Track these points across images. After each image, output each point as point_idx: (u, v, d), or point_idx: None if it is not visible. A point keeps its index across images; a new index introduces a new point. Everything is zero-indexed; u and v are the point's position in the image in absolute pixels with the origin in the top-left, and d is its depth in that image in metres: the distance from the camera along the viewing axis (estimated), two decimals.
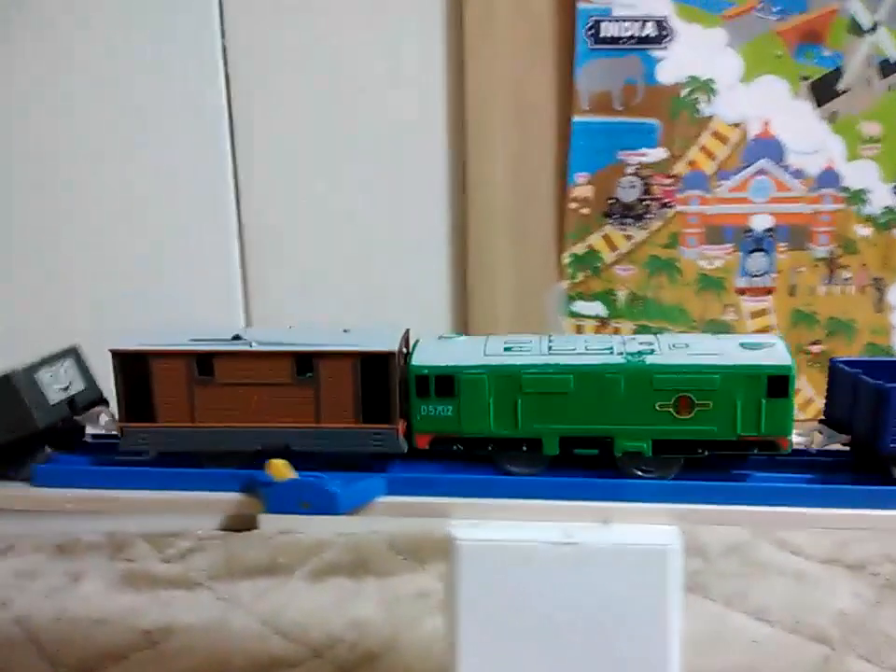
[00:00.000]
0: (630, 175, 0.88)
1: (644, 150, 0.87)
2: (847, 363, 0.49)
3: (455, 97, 0.87)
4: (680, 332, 0.90)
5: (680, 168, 0.88)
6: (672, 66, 0.85)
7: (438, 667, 0.65)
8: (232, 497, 0.46)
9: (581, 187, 0.88)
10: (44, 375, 0.48)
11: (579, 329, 0.91)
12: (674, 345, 0.46)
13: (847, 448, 0.48)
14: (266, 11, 0.85)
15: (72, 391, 0.50)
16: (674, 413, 0.44)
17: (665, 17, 0.85)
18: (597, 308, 0.91)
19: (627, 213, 0.88)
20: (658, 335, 0.47)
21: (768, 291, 0.90)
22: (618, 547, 0.43)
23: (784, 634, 0.69)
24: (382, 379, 0.45)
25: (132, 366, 0.46)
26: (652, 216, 0.89)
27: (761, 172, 0.87)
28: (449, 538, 0.44)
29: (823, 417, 0.50)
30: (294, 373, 0.46)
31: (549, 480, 0.46)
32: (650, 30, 0.85)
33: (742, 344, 0.45)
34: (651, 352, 0.45)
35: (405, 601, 0.75)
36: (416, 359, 0.46)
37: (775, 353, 0.45)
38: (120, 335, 0.47)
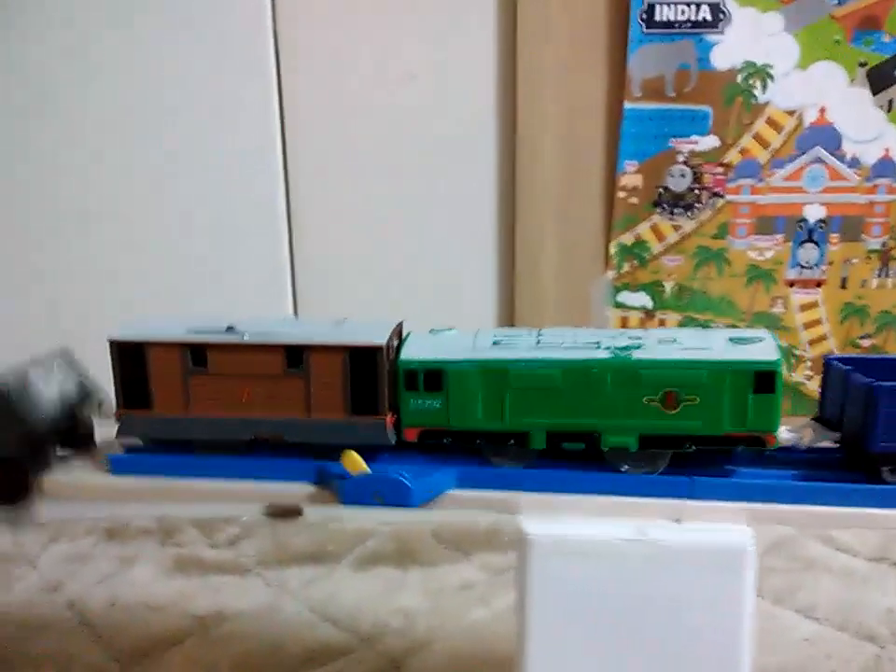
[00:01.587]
0: (680, 163, 0.86)
1: (695, 138, 0.85)
2: (842, 360, 0.48)
3: (507, 84, 0.85)
4: (728, 324, 0.89)
5: (732, 156, 0.86)
6: (727, 51, 0.83)
7: (484, 657, 0.66)
8: (307, 488, 0.46)
9: (630, 175, 0.87)
10: (35, 374, 0.49)
11: (624, 321, 0.90)
12: (662, 340, 0.46)
13: (838, 445, 0.47)
14: (317, 12, 0.85)
15: (67, 387, 0.50)
16: (660, 408, 0.44)
17: (721, 0, 0.83)
18: (643, 299, 0.89)
19: (676, 202, 0.87)
20: (647, 330, 0.47)
21: (818, 284, 0.88)
22: (696, 546, 0.42)
23: (833, 631, 0.69)
24: (370, 372, 0.46)
25: (129, 355, 0.47)
26: (702, 205, 0.87)
27: (815, 161, 0.85)
28: (520, 532, 0.43)
29: (817, 415, 0.49)
30: (285, 366, 0.46)
31: (621, 477, 0.46)
32: (705, 13, 0.83)
33: (731, 339, 0.45)
34: (639, 347, 0.45)
35: (449, 592, 0.75)
36: (405, 353, 0.46)
37: (763, 348, 0.44)
38: (119, 324, 0.48)
